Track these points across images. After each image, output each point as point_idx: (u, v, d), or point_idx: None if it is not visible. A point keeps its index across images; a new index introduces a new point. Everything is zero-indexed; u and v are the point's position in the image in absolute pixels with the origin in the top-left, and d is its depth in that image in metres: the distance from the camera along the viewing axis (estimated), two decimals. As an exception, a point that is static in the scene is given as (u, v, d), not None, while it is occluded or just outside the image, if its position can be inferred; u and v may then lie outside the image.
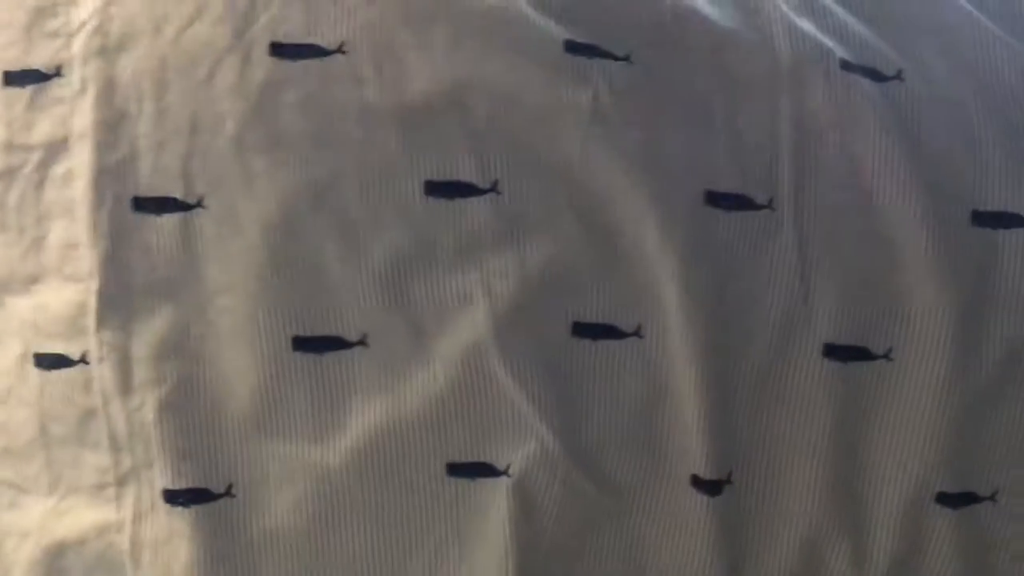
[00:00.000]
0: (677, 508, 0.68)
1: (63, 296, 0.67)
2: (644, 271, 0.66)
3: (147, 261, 0.66)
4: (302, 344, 0.66)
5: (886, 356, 0.67)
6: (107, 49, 0.65)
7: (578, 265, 0.66)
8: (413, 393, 0.66)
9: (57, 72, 0.67)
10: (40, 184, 0.68)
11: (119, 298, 0.66)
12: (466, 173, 0.65)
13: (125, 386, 0.66)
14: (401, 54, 0.64)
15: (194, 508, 0.66)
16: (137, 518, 0.67)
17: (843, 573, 0.69)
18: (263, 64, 0.64)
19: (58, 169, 0.67)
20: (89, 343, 0.67)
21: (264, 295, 0.65)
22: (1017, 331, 0.67)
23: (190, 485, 0.67)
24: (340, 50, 0.64)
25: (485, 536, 0.67)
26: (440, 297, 0.66)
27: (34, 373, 0.68)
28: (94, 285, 0.66)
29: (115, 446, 0.67)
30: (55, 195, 0.67)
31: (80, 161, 0.66)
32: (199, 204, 0.65)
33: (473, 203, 0.65)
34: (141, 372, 0.66)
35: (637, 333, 0.67)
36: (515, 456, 0.66)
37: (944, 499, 0.68)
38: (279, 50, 0.64)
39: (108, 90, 0.66)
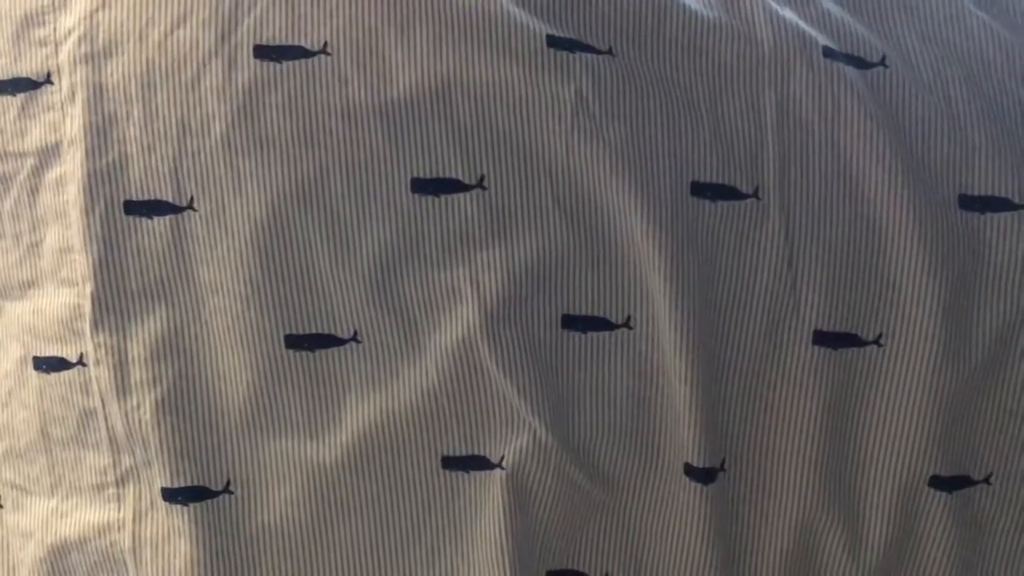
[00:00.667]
0: (671, 496, 0.68)
1: (59, 300, 0.68)
2: (631, 263, 0.66)
3: (140, 263, 0.67)
4: (295, 342, 0.67)
5: (876, 342, 0.67)
6: (94, 55, 0.66)
7: (566, 258, 0.66)
8: (406, 388, 0.67)
9: (47, 79, 0.68)
10: (35, 190, 0.69)
11: (113, 301, 0.67)
12: (452, 169, 0.65)
13: (122, 387, 0.67)
14: (384, 53, 0.65)
15: (193, 506, 0.68)
16: (137, 517, 0.68)
17: (838, 557, 0.69)
18: (248, 66, 0.65)
19: (51, 175, 0.68)
20: (86, 346, 0.68)
21: (256, 294, 0.66)
22: (1006, 314, 0.67)
23: (188, 483, 0.68)
24: (324, 51, 0.65)
25: (481, 528, 0.68)
26: (430, 293, 0.66)
27: (34, 376, 0.70)
28: (88, 289, 0.67)
29: (114, 446, 0.69)
30: (49, 201, 0.68)
31: (72, 166, 0.67)
32: (189, 206, 0.66)
33: (460, 199, 0.65)
34: (137, 373, 0.67)
35: (626, 324, 0.67)
36: (508, 449, 0.67)
37: (937, 482, 0.68)
38: (263, 52, 0.65)
39: (97, 95, 0.66)
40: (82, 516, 0.70)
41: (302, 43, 0.65)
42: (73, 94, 0.67)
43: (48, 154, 0.68)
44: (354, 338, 0.67)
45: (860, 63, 0.67)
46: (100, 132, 0.66)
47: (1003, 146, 0.66)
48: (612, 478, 0.68)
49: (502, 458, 0.67)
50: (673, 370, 0.66)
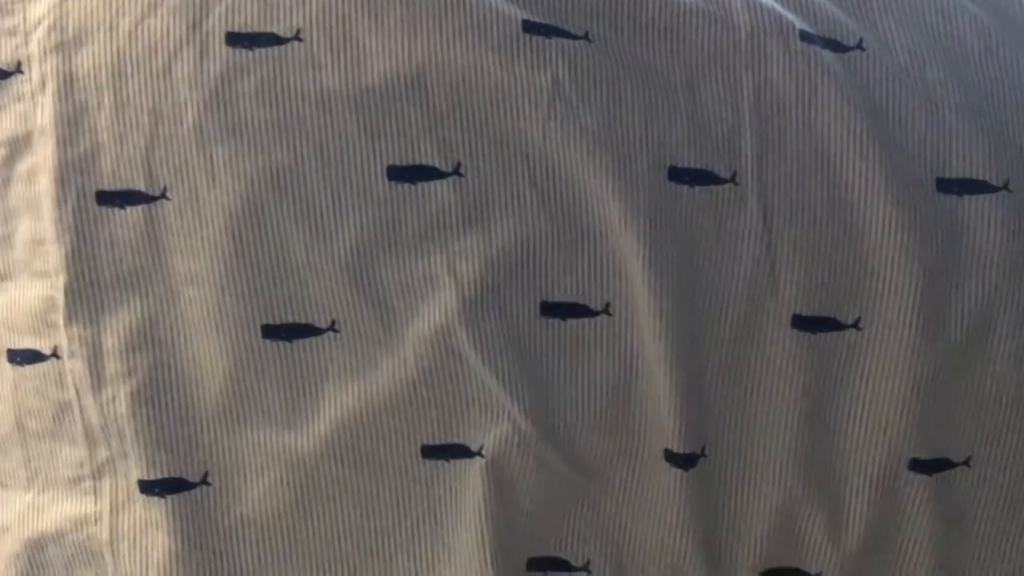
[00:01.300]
0: (652, 483, 0.68)
1: (32, 292, 0.68)
2: (609, 249, 0.66)
3: (113, 254, 0.66)
4: (272, 332, 0.66)
5: (855, 325, 0.67)
6: (64, 44, 0.65)
7: (543, 245, 0.66)
8: (384, 377, 0.66)
9: (17, 69, 0.67)
10: (6, 182, 0.68)
11: (87, 292, 0.66)
12: (428, 156, 0.65)
13: (97, 379, 0.67)
14: (358, 39, 0.64)
15: (170, 498, 0.67)
16: (114, 509, 0.68)
17: (819, 542, 0.69)
18: (220, 54, 0.64)
19: (22, 166, 0.67)
20: (60, 338, 0.67)
21: (231, 284, 0.65)
22: (984, 297, 0.67)
23: (165, 475, 0.67)
24: (296, 37, 0.64)
25: (462, 517, 0.68)
26: (407, 281, 0.66)
27: (8, 369, 0.69)
28: (61, 280, 0.66)
29: (90, 439, 0.68)
30: (21, 192, 0.67)
31: (43, 157, 0.66)
32: (162, 195, 0.65)
33: (436, 186, 0.65)
34: (112, 365, 0.67)
35: (606, 311, 0.67)
36: (488, 437, 0.67)
37: (918, 465, 0.68)
38: (235, 39, 0.64)
39: (67, 85, 0.65)
40: (59, 509, 0.69)
41: (274, 30, 0.64)
42: (43, 84, 0.66)
43: (19, 144, 0.67)
44: (332, 327, 0.67)
45: (837, 46, 0.66)
46: (71, 122, 0.66)
47: (981, 128, 0.66)
48: (592, 465, 0.68)
49: (481, 446, 0.67)
50: (653, 356, 0.66)
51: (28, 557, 0.70)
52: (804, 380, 0.67)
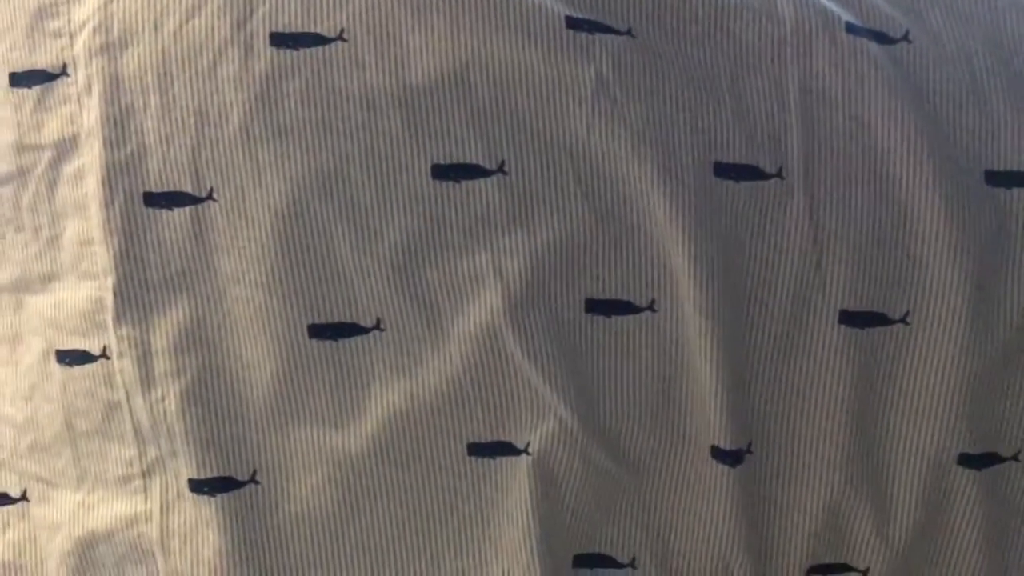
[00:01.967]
0: (698, 480, 0.68)
1: (81, 293, 0.68)
2: (655, 245, 0.66)
3: (161, 255, 0.66)
4: (318, 331, 0.67)
5: (903, 320, 0.66)
6: (110, 46, 0.66)
7: (588, 242, 0.66)
8: (430, 375, 0.67)
9: (63, 71, 0.67)
10: (53, 183, 0.68)
11: (135, 293, 0.67)
12: (472, 155, 0.65)
13: (147, 379, 0.67)
14: (401, 37, 0.64)
15: (220, 496, 0.68)
16: (164, 508, 0.69)
17: (867, 537, 0.69)
18: (264, 54, 0.64)
19: (69, 168, 0.68)
20: (109, 338, 0.68)
21: (278, 284, 0.66)
22: (1035, 290, 0.66)
23: (215, 474, 0.68)
24: (340, 37, 0.64)
25: (508, 514, 0.68)
26: (452, 279, 0.66)
27: (57, 370, 0.69)
28: (110, 281, 0.67)
29: (140, 438, 0.68)
30: (68, 193, 0.68)
31: (90, 158, 0.66)
32: (209, 196, 0.66)
33: (481, 184, 0.65)
34: (161, 364, 0.67)
35: (651, 307, 0.67)
36: (534, 435, 0.67)
37: (966, 460, 0.68)
38: (280, 40, 0.64)
39: (113, 86, 0.66)
40: (109, 508, 0.70)
41: (318, 30, 0.64)
42: (89, 85, 0.66)
43: (66, 147, 0.67)
44: (377, 326, 0.67)
45: (883, 38, 0.66)
46: (117, 123, 0.66)
47: (1030, 119, 0.66)
48: (638, 462, 0.68)
49: (528, 444, 0.67)
50: (698, 352, 0.66)
51: (79, 555, 0.71)
52: (851, 375, 0.67)
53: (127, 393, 0.68)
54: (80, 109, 0.67)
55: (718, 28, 0.65)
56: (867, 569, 0.69)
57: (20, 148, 0.69)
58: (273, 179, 0.65)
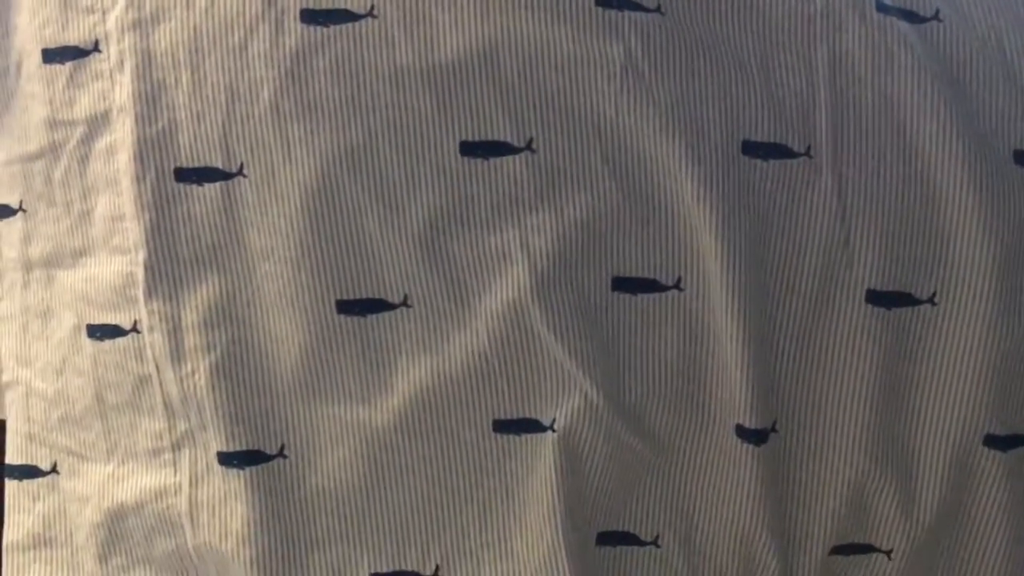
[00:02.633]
0: (723, 458, 0.68)
1: (112, 268, 0.69)
2: (682, 223, 0.66)
3: (191, 230, 0.67)
4: (346, 307, 0.67)
5: (930, 301, 0.66)
6: (142, 22, 0.66)
7: (616, 220, 0.66)
8: (457, 351, 0.67)
9: (95, 47, 0.68)
10: (85, 158, 0.69)
11: (166, 268, 0.67)
12: (500, 132, 0.65)
13: (177, 353, 0.68)
14: (431, 15, 0.64)
15: (248, 469, 0.68)
16: (194, 481, 0.69)
17: (891, 517, 0.69)
18: (295, 31, 0.64)
19: (101, 143, 0.68)
20: (140, 313, 0.68)
21: (306, 260, 0.66)
22: (1063, 271, 0.66)
23: (243, 448, 0.68)
24: (370, 14, 0.64)
25: (533, 490, 0.68)
26: (479, 256, 0.66)
27: (88, 344, 0.70)
28: (141, 256, 0.67)
29: (169, 412, 0.69)
30: (99, 169, 0.69)
31: (122, 134, 0.67)
32: (239, 172, 0.66)
33: (508, 161, 0.65)
34: (191, 339, 0.68)
35: (677, 286, 0.67)
36: (560, 411, 0.67)
37: (992, 441, 0.68)
38: (310, 16, 0.65)
39: (145, 63, 0.66)
40: (138, 481, 0.70)
41: (348, 6, 0.65)
42: (121, 62, 0.67)
43: (97, 122, 0.68)
44: (404, 302, 0.67)
45: (913, 17, 0.66)
46: (149, 99, 0.66)
47: (1061, 99, 0.65)
48: (663, 440, 0.68)
49: (553, 420, 0.67)
50: (724, 331, 0.66)
51: (108, 527, 0.71)
52: (878, 355, 0.67)
53: (157, 367, 0.69)
54: (112, 85, 0.67)
55: (747, 6, 0.65)
56: (891, 550, 0.69)
57: (53, 124, 0.69)
58: (302, 155, 0.65)
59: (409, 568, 0.70)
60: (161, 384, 0.69)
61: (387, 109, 0.65)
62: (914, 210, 0.65)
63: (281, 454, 0.69)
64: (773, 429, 0.68)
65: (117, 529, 0.71)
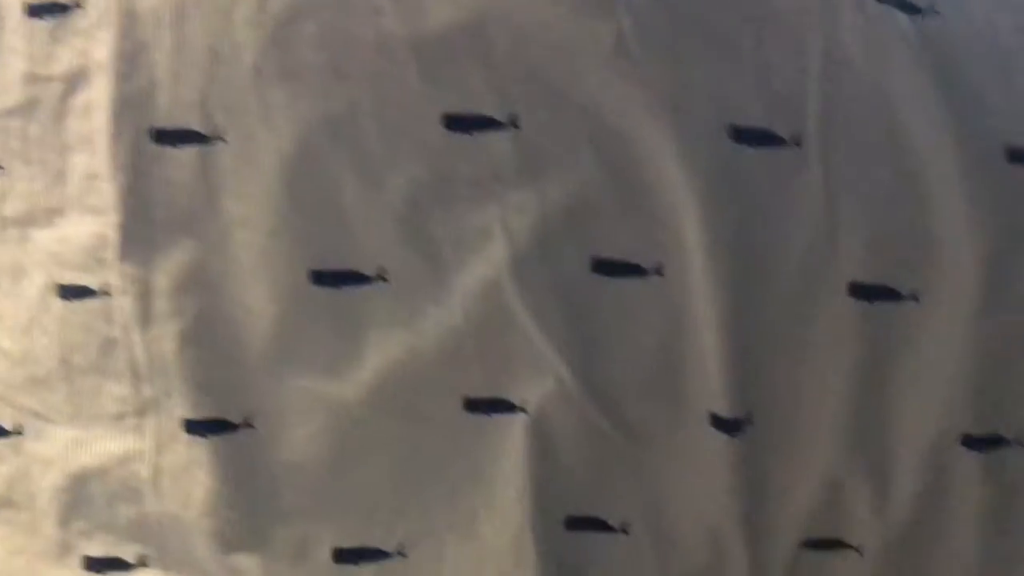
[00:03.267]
0: (695, 446, 0.67)
1: (85, 228, 0.68)
2: (665, 207, 0.65)
3: (167, 194, 0.66)
4: (320, 278, 0.66)
5: (914, 297, 0.66)
6: (126, -21, 0.65)
7: (598, 201, 0.65)
8: (431, 328, 0.66)
9: (77, 4, 0.66)
10: (61, 116, 0.68)
11: (140, 231, 0.66)
12: (485, 107, 0.64)
13: (145, 318, 0.67)
14: None
15: (213, 438, 0.67)
16: (158, 447, 0.68)
17: (864, 516, 0.68)
18: None
19: (79, 100, 0.67)
20: (111, 275, 0.67)
21: (282, 228, 0.65)
22: (1050, 272, 0.65)
23: (209, 416, 0.67)
24: (359, -21, 0.63)
25: (503, 472, 0.67)
26: (458, 232, 0.65)
27: (57, 304, 0.69)
28: (115, 218, 0.66)
29: (135, 376, 0.68)
30: (76, 127, 0.67)
31: (100, 92, 0.66)
32: (218, 136, 0.65)
33: (492, 137, 0.64)
34: (161, 304, 0.67)
35: (658, 271, 0.66)
36: (532, 393, 0.66)
37: (969, 441, 0.67)
38: (297, -20, 0.63)
39: (128, 21, 0.65)
40: (102, 446, 0.69)
41: None
42: (104, 19, 0.66)
43: (76, 79, 0.67)
44: (380, 276, 0.66)
45: (911, 9, 0.64)
46: (129, 58, 0.65)
47: (1054, 98, 0.64)
48: (637, 426, 0.67)
49: (525, 402, 0.66)
50: (703, 318, 0.65)
51: (71, 491, 0.70)
52: (857, 350, 0.66)
53: (125, 330, 0.68)
54: (93, 43, 0.66)
55: None
56: (861, 546, 0.69)
57: (31, 79, 0.68)
58: (282, 122, 0.64)
59: (373, 545, 0.69)
60: (128, 347, 0.68)
61: (371, 78, 0.64)
62: (902, 205, 0.65)
63: (248, 424, 0.68)
64: (749, 420, 0.67)
65: (80, 494, 0.70)
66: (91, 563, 0.71)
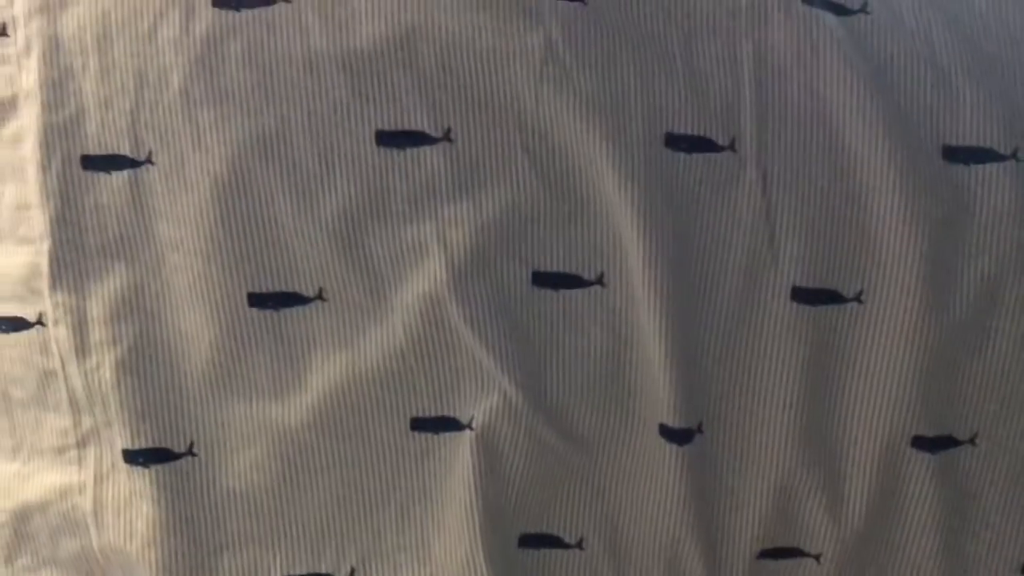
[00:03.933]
0: (646, 458, 0.67)
1: (17, 259, 0.67)
2: (604, 218, 0.64)
3: (98, 220, 0.65)
4: (258, 300, 0.65)
5: (857, 299, 0.65)
6: (49, 7, 0.64)
7: (536, 213, 0.64)
8: (373, 347, 0.65)
9: (2, 32, 0.66)
10: (-9, 146, 0.67)
11: (72, 259, 0.65)
12: (417, 121, 0.63)
13: (82, 347, 0.66)
14: (347, 1, 0.62)
15: (154, 468, 0.66)
16: (98, 479, 0.67)
17: (819, 521, 0.68)
18: (206, 15, 0.63)
19: (7, 130, 0.66)
20: (45, 305, 0.66)
21: (217, 251, 0.64)
22: (991, 268, 0.65)
23: (150, 445, 0.66)
24: (284, -2, 0.63)
25: (451, 490, 0.67)
26: (396, 248, 0.64)
27: (-7, 337, 0.68)
28: (46, 246, 0.65)
29: (75, 407, 0.67)
30: (5, 156, 0.67)
31: (28, 120, 0.65)
32: (148, 160, 0.64)
33: (426, 152, 0.64)
34: (97, 332, 0.66)
35: (599, 281, 0.65)
36: (478, 409, 0.65)
37: (920, 443, 0.66)
38: (222, 0, 0.63)
39: (52, 48, 0.64)
40: (43, 479, 0.68)
41: None
42: (28, 47, 0.65)
43: (3, 108, 0.66)
44: (319, 296, 0.65)
45: (840, 10, 0.64)
46: (56, 85, 0.65)
47: (990, 95, 0.64)
48: (586, 439, 0.67)
49: (472, 418, 0.66)
50: (647, 328, 0.64)
51: (13, 528, 0.69)
52: (804, 354, 0.65)
53: (62, 361, 0.67)
54: (19, 70, 0.65)
55: None
56: (820, 554, 0.68)
57: (-40, 110, 0.67)
58: (213, 143, 0.63)
59: (324, 571, 0.68)
60: (66, 378, 0.67)
61: (301, 97, 0.63)
62: (840, 206, 0.64)
63: (190, 452, 0.67)
64: (699, 429, 0.66)
65: (22, 529, 0.69)
66: (38, 599, 0.70)
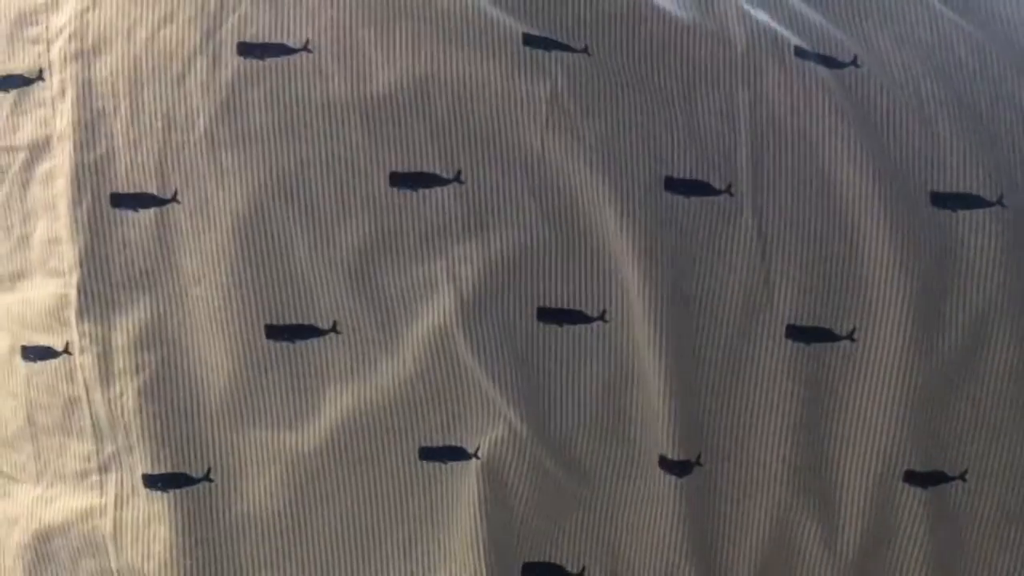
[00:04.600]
0: (646, 489, 0.69)
1: (47, 291, 0.70)
2: (606, 257, 0.67)
3: (125, 255, 0.68)
4: (275, 332, 0.68)
5: (849, 337, 0.68)
6: (84, 53, 0.68)
7: (541, 251, 0.67)
8: (384, 379, 0.68)
9: (39, 76, 0.69)
10: (25, 184, 0.70)
11: (99, 290, 0.69)
12: (430, 164, 0.67)
13: (106, 375, 0.69)
14: (364, 51, 0.66)
15: (172, 492, 0.69)
16: (118, 503, 0.70)
17: (815, 553, 0.69)
18: (231, 63, 0.66)
19: (41, 169, 0.70)
20: (72, 335, 0.69)
21: (237, 285, 0.67)
22: (979, 311, 0.67)
23: (169, 470, 0.69)
24: (305, 48, 0.66)
25: (458, 519, 0.69)
26: (407, 285, 0.67)
27: (21, 365, 0.71)
28: (75, 278, 0.68)
29: (98, 433, 0.70)
30: (39, 194, 0.70)
31: (61, 160, 0.69)
32: (174, 199, 0.68)
33: (437, 193, 0.67)
34: (121, 361, 0.69)
35: (602, 317, 0.68)
36: (484, 439, 0.68)
37: (912, 478, 0.68)
38: (247, 49, 0.67)
39: (86, 92, 0.68)
40: (66, 502, 0.71)
41: (284, 41, 0.67)
42: (63, 90, 0.69)
43: (39, 148, 0.70)
44: (334, 329, 0.68)
45: (832, 63, 0.68)
46: (88, 127, 0.68)
47: (975, 143, 0.67)
48: (588, 470, 0.69)
49: (478, 448, 0.68)
50: (648, 363, 0.67)
51: (35, 549, 0.72)
52: (798, 390, 0.68)
53: (87, 389, 0.69)
54: (53, 113, 0.69)
55: (671, 49, 0.67)
56: (816, 585, 0.70)
57: (-4, 149, 0.71)
58: (235, 183, 0.67)
59: (333, 596, 0.70)
60: (90, 406, 0.70)
61: (319, 139, 0.67)
62: (832, 249, 0.67)
63: (207, 478, 0.69)
64: (697, 462, 0.68)
65: (43, 551, 0.72)
66: (57, 619, 0.72)
